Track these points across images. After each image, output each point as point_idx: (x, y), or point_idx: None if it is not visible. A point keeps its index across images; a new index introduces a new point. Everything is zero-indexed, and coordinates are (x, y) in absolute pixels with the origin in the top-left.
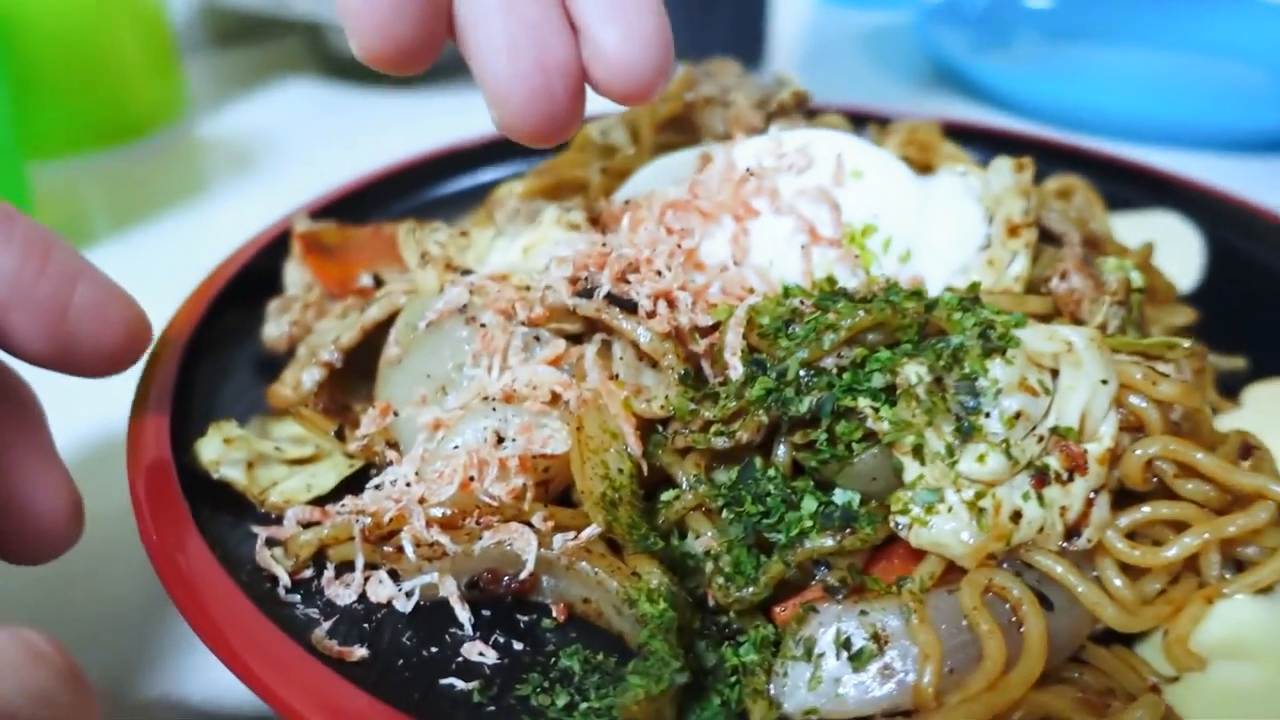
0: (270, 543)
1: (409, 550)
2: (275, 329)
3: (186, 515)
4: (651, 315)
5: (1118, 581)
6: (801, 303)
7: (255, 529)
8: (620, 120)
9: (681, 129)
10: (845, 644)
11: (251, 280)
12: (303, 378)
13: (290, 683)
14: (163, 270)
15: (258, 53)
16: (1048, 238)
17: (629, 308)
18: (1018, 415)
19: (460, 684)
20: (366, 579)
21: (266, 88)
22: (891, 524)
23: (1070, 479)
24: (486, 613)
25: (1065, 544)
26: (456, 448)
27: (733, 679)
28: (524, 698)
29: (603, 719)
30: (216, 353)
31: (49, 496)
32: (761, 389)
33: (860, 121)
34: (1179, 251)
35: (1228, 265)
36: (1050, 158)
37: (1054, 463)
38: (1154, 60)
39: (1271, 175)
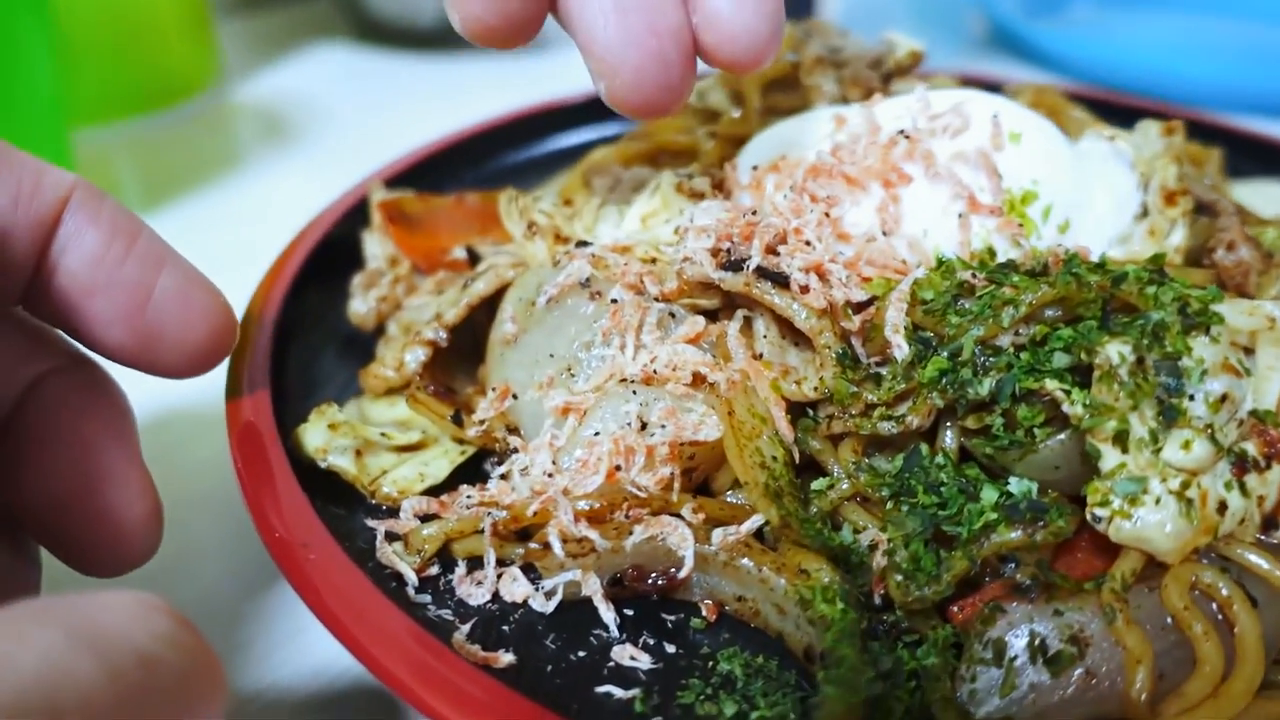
0: (390, 537)
1: (557, 546)
2: (362, 305)
3: (309, 509)
4: (804, 290)
5: None
6: (974, 276)
7: (370, 523)
8: (717, 81)
9: (788, 90)
10: (1040, 647)
11: (330, 253)
12: (406, 358)
13: (448, 694)
14: (200, 239)
15: (291, 16)
16: (1197, 208)
17: (781, 282)
18: (1223, 398)
19: (618, 692)
20: (499, 576)
21: (300, 52)
22: (1089, 516)
23: (1268, 466)
24: (629, 612)
25: (1262, 535)
26: (597, 434)
27: (912, 684)
28: (688, 706)
29: None
30: (303, 332)
31: (133, 504)
32: (935, 369)
33: (967, 86)
34: None
35: None
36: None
37: (1251, 449)
38: (1208, 25)
39: None
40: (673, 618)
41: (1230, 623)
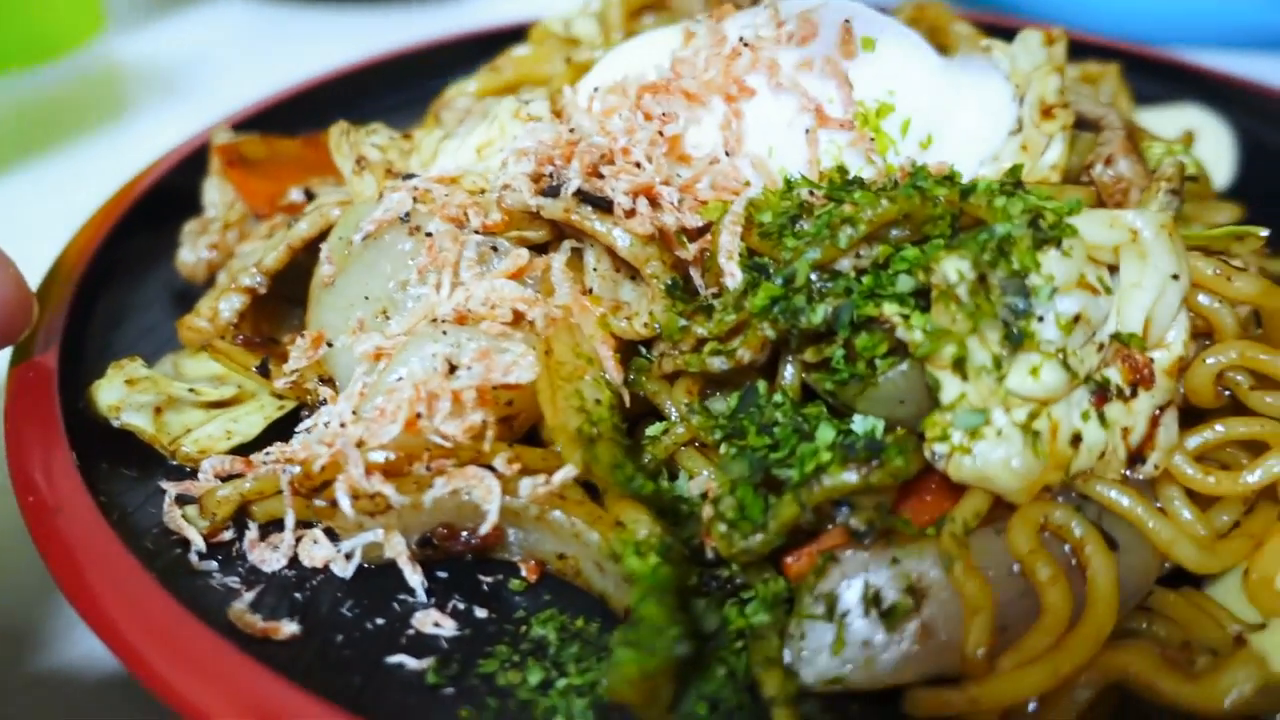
0: (182, 500)
1: (345, 504)
2: (190, 254)
3: (72, 470)
4: (630, 215)
5: (1187, 514)
6: (811, 194)
7: (165, 485)
8: (586, 11)
9: (657, 13)
10: (875, 599)
11: (165, 201)
12: (220, 306)
13: (194, 673)
14: (74, 204)
15: None
16: (1082, 124)
17: (603, 206)
18: (1076, 318)
19: (411, 662)
20: (298, 540)
21: (192, 6)
22: (927, 453)
23: (1134, 394)
24: (443, 575)
25: (1128, 472)
26: (400, 380)
27: (739, 645)
28: (489, 675)
29: (585, 698)
30: (124, 284)
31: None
32: (765, 297)
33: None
34: (1208, 148)
35: (1260, 160)
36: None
37: (1115, 375)
38: None
39: None
40: (490, 580)
41: (1084, 566)
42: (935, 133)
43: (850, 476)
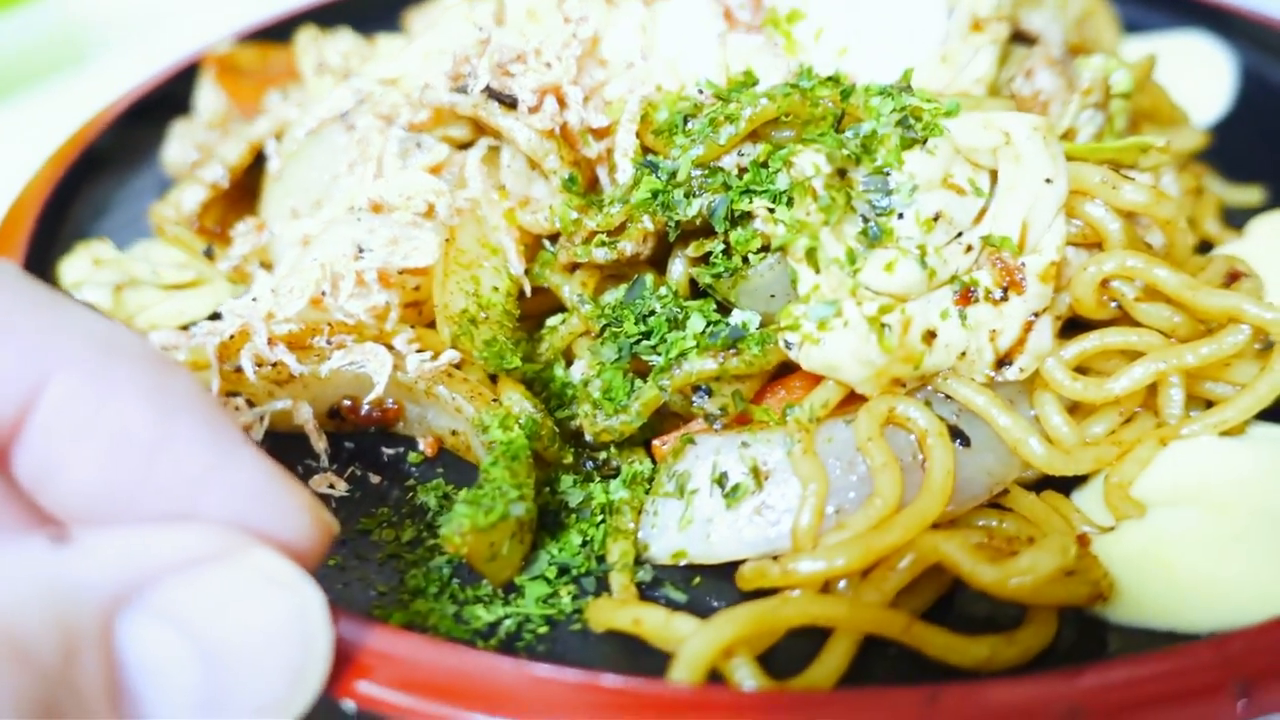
0: None
1: (248, 369)
2: (177, 150)
3: None
4: (534, 111)
5: (1056, 419)
6: (700, 92)
7: None
8: None
9: None
10: (720, 480)
11: (166, 107)
12: (183, 196)
13: None
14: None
15: None
16: (1027, 41)
17: (508, 103)
18: (937, 217)
19: None
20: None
21: None
22: (781, 343)
23: (1005, 298)
24: (350, 445)
25: (995, 374)
26: (314, 261)
27: (600, 519)
28: (365, 531)
29: (444, 555)
30: (116, 174)
31: None
32: (647, 191)
33: None
34: (1205, 75)
35: (1259, 92)
36: None
37: (986, 278)
38: None
39: None
40: (391, 452)
41: (925, 458)
42: (851, 43)
43: (708, 364)
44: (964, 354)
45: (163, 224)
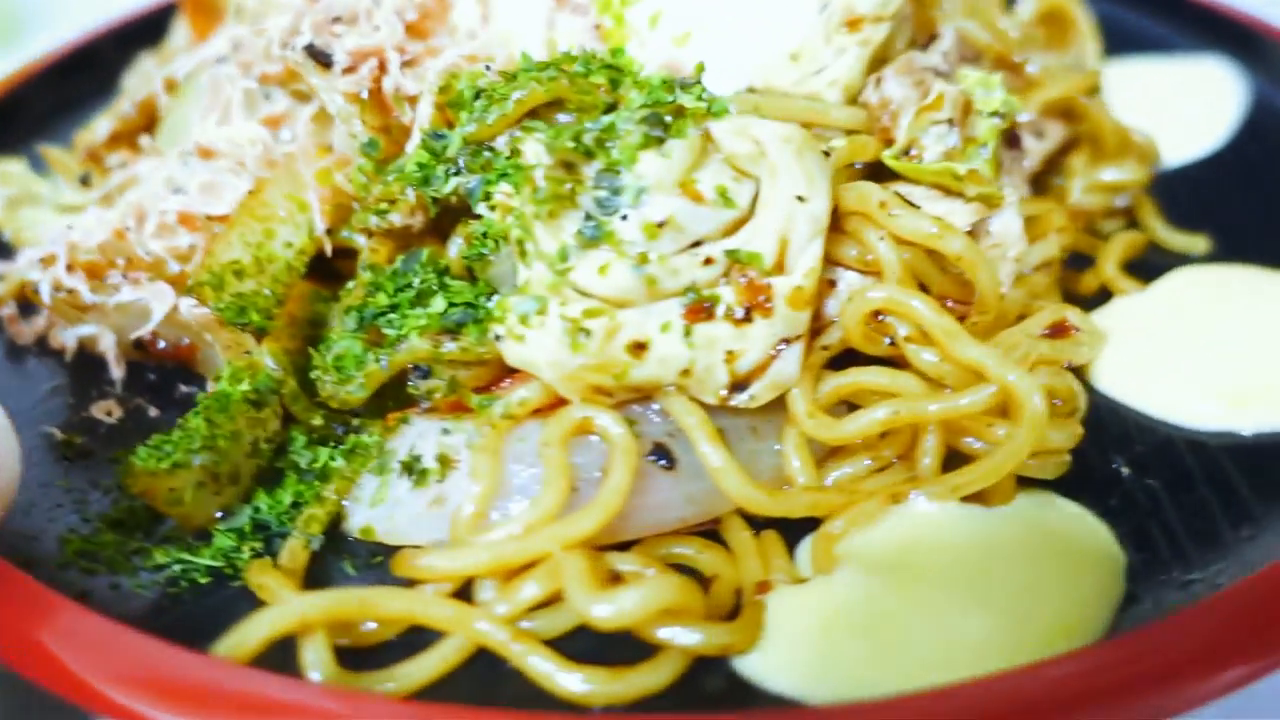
0: None
1: (44, 291)
2: (140, 80)
3: None
4: (349, 72)
5: (796, 461)
6: (488, 70)
7: None
8: None
9: None
10: (411, 463)
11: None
12: (98, 126)
13: None
14: None
15: None
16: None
17: (325, 62)
18: (664, 223)
19: (59, 435)
20: (49, 326)
21: None
22: (490, 334)
23: (748, 318)
24: (152, 378)
25: (728, 394)
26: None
27: (319, 483)
28: (115, 460)
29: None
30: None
31: None
32: (414, 164)
33: None
34: (1210, 102)
35: (1270, 122)
36: None
37: (729, 295)
38: None
39: None
40: (187, 389)
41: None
42: (696, 30)
43: (422, 344)
44: (688, 371)
45: (46, 150)
